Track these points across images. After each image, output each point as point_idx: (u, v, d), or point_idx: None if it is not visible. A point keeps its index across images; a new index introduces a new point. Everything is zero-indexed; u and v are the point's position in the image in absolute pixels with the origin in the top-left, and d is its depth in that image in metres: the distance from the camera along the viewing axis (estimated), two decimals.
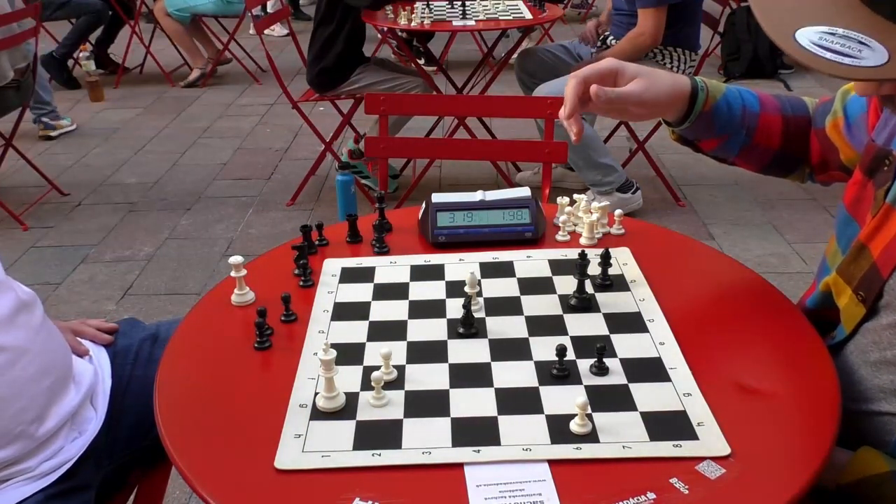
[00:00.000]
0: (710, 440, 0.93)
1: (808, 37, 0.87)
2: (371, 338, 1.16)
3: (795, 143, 1.31)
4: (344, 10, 3.65)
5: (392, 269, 1.36)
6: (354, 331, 1.18)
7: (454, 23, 3.95)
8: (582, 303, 1.22)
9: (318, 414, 1.00)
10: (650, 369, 1.07)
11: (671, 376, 1.05)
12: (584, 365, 1.07)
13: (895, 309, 1.04)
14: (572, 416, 0.96)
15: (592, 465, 0.91)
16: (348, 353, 1.11)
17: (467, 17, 3.96)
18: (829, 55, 0.85)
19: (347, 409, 1.01)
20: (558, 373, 1.05)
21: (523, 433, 0.95)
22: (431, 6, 3.99)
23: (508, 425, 0.97)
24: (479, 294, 1.25)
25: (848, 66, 0.84)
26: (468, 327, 1.16)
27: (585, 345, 1.11)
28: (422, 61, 5.10)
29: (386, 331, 1.18)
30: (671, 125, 1.28)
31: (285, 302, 1.20)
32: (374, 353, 1.12)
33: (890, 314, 1.05)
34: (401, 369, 1.08)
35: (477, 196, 1.45)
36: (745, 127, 1.28)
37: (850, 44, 0.85)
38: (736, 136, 1.28)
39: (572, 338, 1.14)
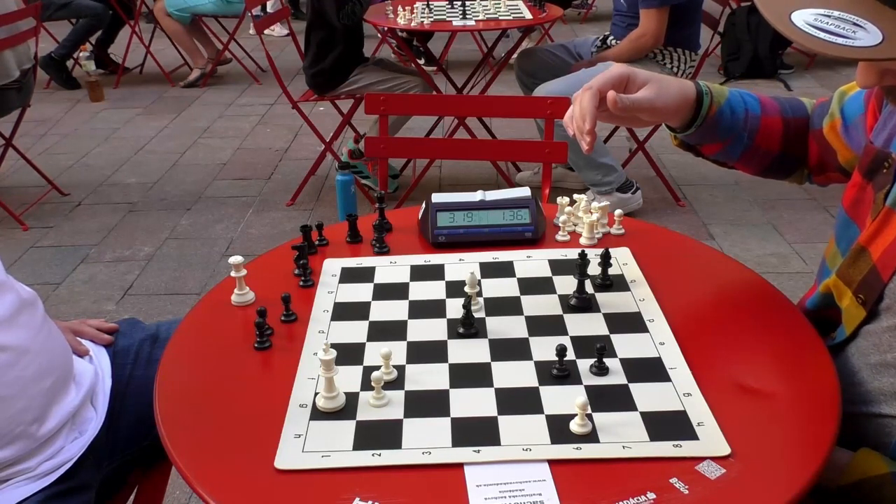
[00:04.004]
0: (710, 440, 0.93)
1: (803, 18, 0.88)
2: (371, 338, 1.16)
3: (795, 145, 1.31)
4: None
5: (392, 269, 1.36)
6: (354, 331, 1.18)
7: (454, 23, 3.95)
8: (582, 303, 1.22)
9: (318, 414, 1.00)
10: (650, 369, 1.07)
11: (671, 376, 1.05)
12: (584, 365, 1.07)
13: (895, 312, 1.04)
14: (572, 416, 0.96)
15: (592, 465, 0.91)
16: (348, 353, 1.11)
17: (467, 17, 3.96)
18: (822, 35, 0.86)
19: (347, 409, 1.01)
20: (558, 373, 1.05)
21: (523, 433, 0.95)
22: (431, 6, 3.99)
23: (508, 425, 0.97)
24: (479, 294, 1.25)
25: (841, 46, 0.85)
26: (468, 327, 1.16)
27: (585, 345, 1.11)
28: (422, 61, 5.10)
29: (386, 331, 1.18)
30: (674, 131, 1.28)
31: (285, 302, 1.20)
32: (374, 353, 1.12)
33: (890, 317, 1.05)
34: (401, 369, 1.08)
35: (477, 196, 1.45)
36: (747, 130, 1.27)
37: (844, 25, 0.86)
38: (738, 140, 1.27)
39: (572, 338, 1.14)
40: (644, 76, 1.18)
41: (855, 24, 0.86)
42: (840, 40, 0.85)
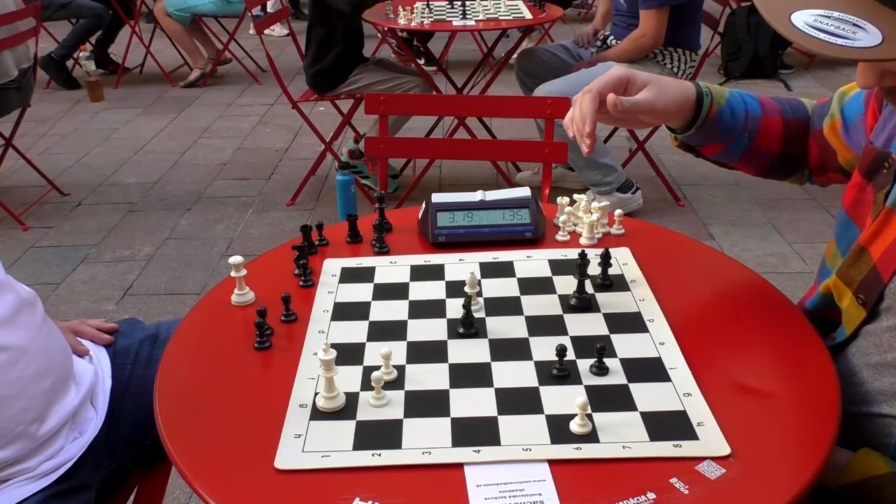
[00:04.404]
0: (710, 440, 0.93)
1: (803, 19, 0.88)
2: (371, 338, 1.16)
3: (795, 145, 1.31)
4: (336, 11, 3.63)
5: (392, 269, 1.36)
6: (354, 331, 1.18)
7: (454, 23, 3.95)
8: (582, 303, 1.22)
9: (318, 414, 1.00)
10: (650, 369, 1.07)
11: (671, 376, 1.05)
12: (584, 365, 1.07)
13: (895, 312, 1.04)
14: (572, 416, 0.96)
15: (592, 465, 0.91)
16: (348, 353, 1.11)
17: (467, 17, 3.96)
18: (822, 36, 0.86)
19: (347, 409, 1.01)
20: (558, 373, 1.05)
21: (523, 433, 0.95)
22: (431, 6, 3.99)
23: (508, 425, 0.97)
24: (479, 294, 1.25)
25: (841, 47, 0.85)
26: (468, 327, 1.16)
27: (585, 345, 1.11)
28: (422, 61, 5.10)
29: (386, 331, 1.18)
30: (674, 132, 1.28)
31: (285, 302, 1.20)
32: (374, 353, 1.12)
33: (890, 317, 1.05)
34: (401, 369, 1.08)
35: (477, 196, 1.45)
36: (747, 131, 1.27)
37: (844, 26, 0.86)
38: (738, 140, 1.28)
39: (572, 338, 1.14)
40: (644, 78, 1.18)
41: (855, 24, 0.86)
42: (840, 41, 0.85)
